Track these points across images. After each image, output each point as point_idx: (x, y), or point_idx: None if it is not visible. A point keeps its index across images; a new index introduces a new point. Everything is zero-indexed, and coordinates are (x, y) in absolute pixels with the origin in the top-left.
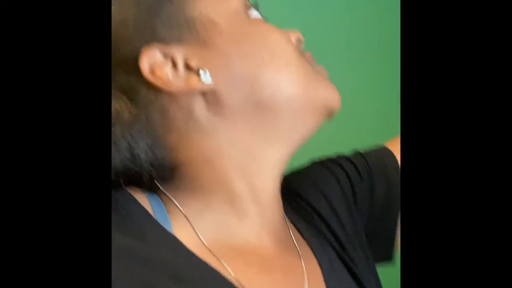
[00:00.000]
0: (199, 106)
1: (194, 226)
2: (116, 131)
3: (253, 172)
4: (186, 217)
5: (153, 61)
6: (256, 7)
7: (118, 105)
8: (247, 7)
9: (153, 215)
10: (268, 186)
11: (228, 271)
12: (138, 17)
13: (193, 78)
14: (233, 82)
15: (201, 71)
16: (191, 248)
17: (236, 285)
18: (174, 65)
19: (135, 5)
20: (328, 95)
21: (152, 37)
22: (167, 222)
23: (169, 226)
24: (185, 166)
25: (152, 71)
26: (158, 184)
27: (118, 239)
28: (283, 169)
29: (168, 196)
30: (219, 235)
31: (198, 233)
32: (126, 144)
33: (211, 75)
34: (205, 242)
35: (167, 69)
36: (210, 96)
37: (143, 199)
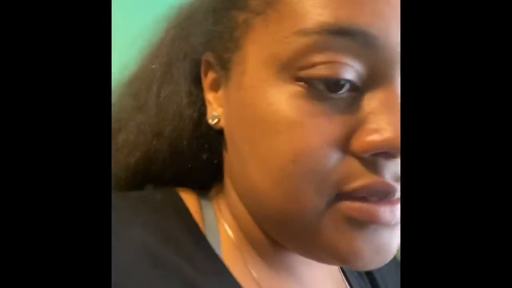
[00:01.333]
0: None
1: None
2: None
3: None
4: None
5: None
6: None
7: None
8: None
9: (203, 231)
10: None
11: None
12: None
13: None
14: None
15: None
16: (241, 281)
17: None
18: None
19: None
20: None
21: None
22: (216, 241)
23: (219, 246)
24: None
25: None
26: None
27: (169, 257)
28: None
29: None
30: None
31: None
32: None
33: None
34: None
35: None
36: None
37: (195, 206)
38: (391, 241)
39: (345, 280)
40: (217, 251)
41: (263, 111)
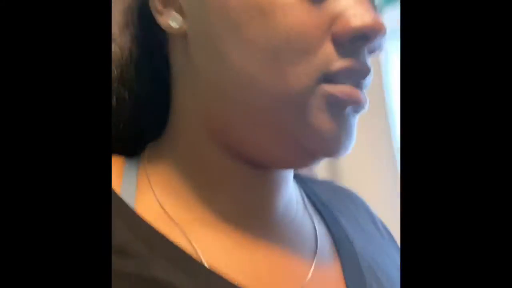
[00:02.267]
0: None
1: (158, 195)
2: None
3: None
4: (150, 183)
5: None
6: None
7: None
8: None
9: (118, 185)
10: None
11: (193, 246)
12: None
13: (169, 11)
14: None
15: (176, 15)
16: (149, 218)
17: (195, 257)
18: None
19: None
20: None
21: None
22: (130, 191)
23: (132, 195)
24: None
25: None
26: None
27: None
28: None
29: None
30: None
31: (160, 201)
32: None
33: (186, 22)
34: (168, 211)
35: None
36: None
37: (118, 164)
38: (355, 129)
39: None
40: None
41: None
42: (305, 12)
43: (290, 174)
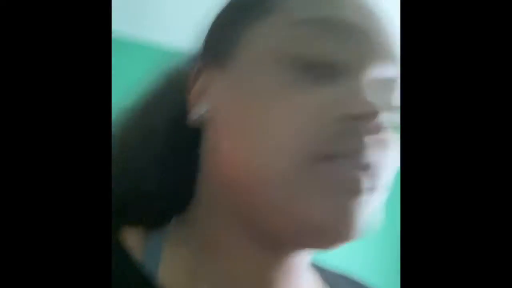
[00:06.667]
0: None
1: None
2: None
3: None
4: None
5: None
6: None
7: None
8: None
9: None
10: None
11: None
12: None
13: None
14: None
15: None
16: None
17: None
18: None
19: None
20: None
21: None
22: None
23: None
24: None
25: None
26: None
27: None
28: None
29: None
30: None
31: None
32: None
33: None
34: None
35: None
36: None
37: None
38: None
39: None
40: None
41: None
42: (318, 96)
43: (305, 260)
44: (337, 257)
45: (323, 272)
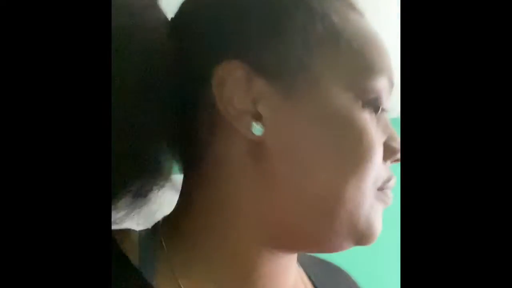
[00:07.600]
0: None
1: (179, 278)
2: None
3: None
4: (172, 267)
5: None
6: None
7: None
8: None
9: (135, 262)
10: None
11: None
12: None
13: (246, 118)
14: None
15: (255, 123)
16: None
17: None
18: (246, 92)
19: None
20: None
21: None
22: (151, 271)
23: (152, 275)
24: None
25: (222, 82)
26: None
27: None
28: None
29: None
30: None
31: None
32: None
33: (265, 131)
34: None
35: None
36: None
37: (131, 242)
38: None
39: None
40: None
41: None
42: (374, 126)
43: (295, 255)
44: (337, 257)
45: (304, 262)
